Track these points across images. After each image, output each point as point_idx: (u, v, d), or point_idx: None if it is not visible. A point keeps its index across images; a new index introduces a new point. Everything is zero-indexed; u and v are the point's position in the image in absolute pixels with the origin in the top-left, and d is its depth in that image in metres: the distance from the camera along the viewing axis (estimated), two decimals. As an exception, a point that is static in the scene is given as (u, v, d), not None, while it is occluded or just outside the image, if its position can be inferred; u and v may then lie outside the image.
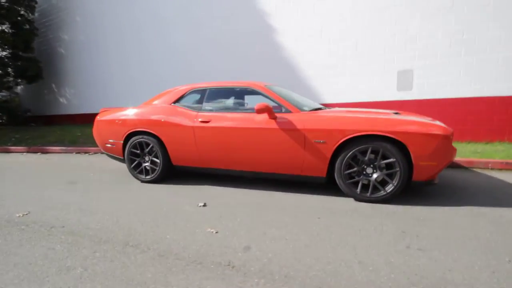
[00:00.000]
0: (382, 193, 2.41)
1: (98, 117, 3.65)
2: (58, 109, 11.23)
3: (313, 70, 6.01)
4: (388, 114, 2.56)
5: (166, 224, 2.09)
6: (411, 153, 2.30)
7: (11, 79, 10.33)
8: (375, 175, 2.44)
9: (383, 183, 2.46)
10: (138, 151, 3.31)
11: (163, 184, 3.24)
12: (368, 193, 2.45)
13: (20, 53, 10.20)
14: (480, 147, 4.44)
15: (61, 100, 11.18)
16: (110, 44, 9.29)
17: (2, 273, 1.50)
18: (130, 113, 3.37)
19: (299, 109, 2.76)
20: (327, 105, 4.92)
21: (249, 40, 6.66)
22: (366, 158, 2.42)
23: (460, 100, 4.79)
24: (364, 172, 2.48)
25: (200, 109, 3.10)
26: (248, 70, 6.67)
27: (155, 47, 8.24)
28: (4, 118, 11.39)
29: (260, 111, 2.62)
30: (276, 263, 1.53)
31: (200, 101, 3.16)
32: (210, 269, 1.49)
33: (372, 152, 2.40)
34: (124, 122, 3.36)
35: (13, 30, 9.89)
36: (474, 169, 3.60)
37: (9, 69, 10.10)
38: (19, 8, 9.87)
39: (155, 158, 3.25)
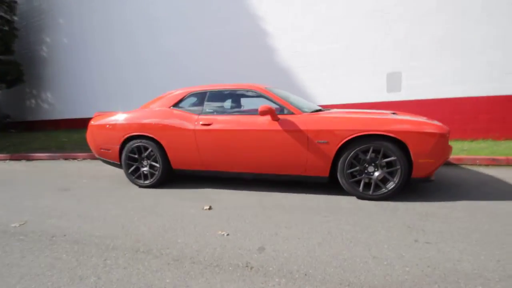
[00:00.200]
0: (384, 190, 2.49)
1: (92, 122, 3.55)
2: (40, 114, 10.76)
3: (306, 74, 6.12)
4: (386, 114, 2.65)
5: (174, 229, 2.06)
6: (410, 151, 2.39)
7: (-11, 83, 9.82)
8: (376, 174, 2.51)
9: (383, 181, 2.54)
10: (136, 156, 3.24)
11: (163, 188, 3.19)
12: (370, 191, 2.52)
13: (0, 56, 9.72)
14: (466, 144, 4.67)
15: (43, 105, 10.73)
16: (99, 46, 9.00)
17: (9, 286, 1.43)
18: (127, 117, 3.30)
19: (301, 110, 2.81)
20: (321, 107, 5.01)
21: (242, 42, 6.69)
22: (368, 157, 2.49)
23: (447, 100, 5.02)
24: (366, 171, 2.55)
25: (200, 112, 3.08)
26: (243, 73, 6.66)
27: (148, 49, 8.09)
28: (-20, 124, 10.78)
29: (263, 113, 2.64)
30: (294, 262, 1.55)
31: (200, 104, 3.14)
32: (228, 271, 1.49)
33: (373, 151, 2.48)
34: (120, 126, 3.28)
35: (-9, 32, 9.44)
36: (463, 166, 3.79)
37: (-13, 73, 9.60)
38: (-3, 9, 9.44)
39: (154, 162, 3.19)
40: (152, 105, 3.36)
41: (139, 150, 3.23)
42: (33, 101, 11.03)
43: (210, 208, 2.47)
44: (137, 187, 3.28)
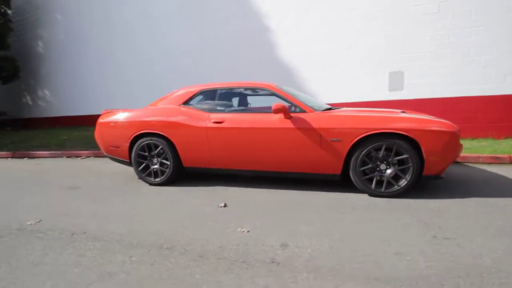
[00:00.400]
0: (396, 188, 2.54)
1: (100, 119, 3.52)
2: (37, 111, 10.61)
3: (308, 72, 6.15)
4: (397, 113, 2.70)
5: (193, 226, 2.08)
6: (422, 149, 2.44)
7: (-17, 79, 9.63)
8: (389, 171, 2.56)
9: (395, 178, 2.58)
10: (146, 153, 3.24)
11: (174, 186, 3.19)
12: (383, 188, 2.56)
13: (-6, 51, 9.53)
14: (467, 143, 4.75)
15: (40, 102, 10.57)
16: (99, 43, 8.89)
17: (39, 284, 1.43)
18: (137, 114, 3.29)
19: (312, 109, 2.83)
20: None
21: (246, 41, 6.69)
22: (380, 155, 2.54)
23: (447, 100, 5.11)
24: (378, 169, 2.60)
25: (212, 110, 3.08)
26: (247, 72, 6.65)
27: (150, 47, 8.00)
28: (-24, 122, 10.59)
29: (277, 111, 2.67)
30: (318, 258, 1.58)
31: (211, 102, 3.15)
32: (256, 267, 1.51)
33: (385, 149, 2.52)
34: (130, 124, 3.27)
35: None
36: (467, 164, 3.87)
37: (-18, 69, 9.41)
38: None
39: (164, 160, 3.19)
40: (162, 103, 3.36)
41: (149, 147, 3.22)
42: (29, 98, 10.85)
43: (225, 206, 2.48)
44: (147, 184, 3.28)
